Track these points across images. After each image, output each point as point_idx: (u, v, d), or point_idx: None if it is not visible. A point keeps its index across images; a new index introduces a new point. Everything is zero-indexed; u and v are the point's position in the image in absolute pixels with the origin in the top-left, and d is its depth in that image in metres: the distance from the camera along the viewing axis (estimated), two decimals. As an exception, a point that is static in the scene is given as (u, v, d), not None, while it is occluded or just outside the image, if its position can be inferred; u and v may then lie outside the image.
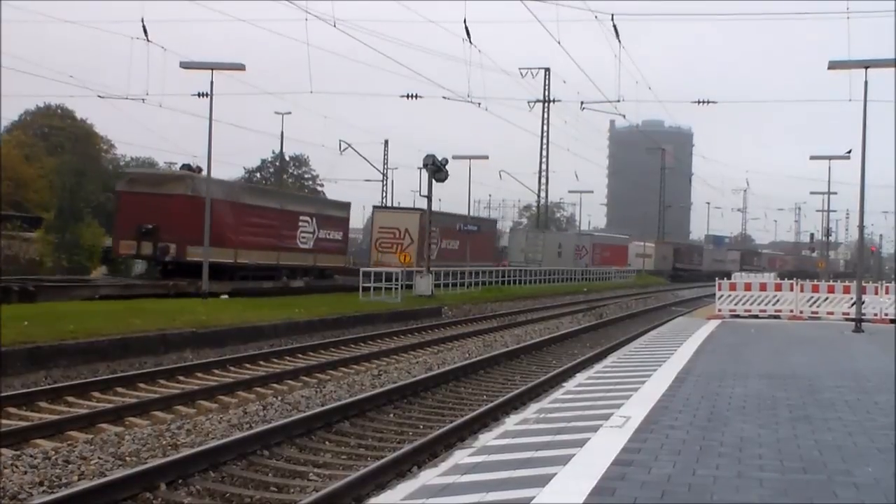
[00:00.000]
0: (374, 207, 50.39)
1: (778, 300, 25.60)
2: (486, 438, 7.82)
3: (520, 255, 61.83)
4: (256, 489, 8.49)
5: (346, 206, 43.69)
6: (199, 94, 34.08)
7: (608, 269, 71.35)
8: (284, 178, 79.93)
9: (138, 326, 18.70)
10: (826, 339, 18.78)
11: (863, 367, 13.73)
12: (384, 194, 72.70)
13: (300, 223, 36.93)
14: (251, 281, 33.08)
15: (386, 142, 75.56)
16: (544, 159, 67.43)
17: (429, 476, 6.43)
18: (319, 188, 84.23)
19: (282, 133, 67.57)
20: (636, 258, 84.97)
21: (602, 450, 6.97)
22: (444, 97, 42.79)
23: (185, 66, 27.58)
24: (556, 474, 6.19)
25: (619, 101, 45.09)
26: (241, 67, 27.86)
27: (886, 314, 24.58)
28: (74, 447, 9.63)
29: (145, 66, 31.74)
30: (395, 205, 63.73)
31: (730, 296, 25.88)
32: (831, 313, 25.03)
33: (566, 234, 73.83)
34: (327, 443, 10.57)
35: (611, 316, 33.36)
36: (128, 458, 9.26)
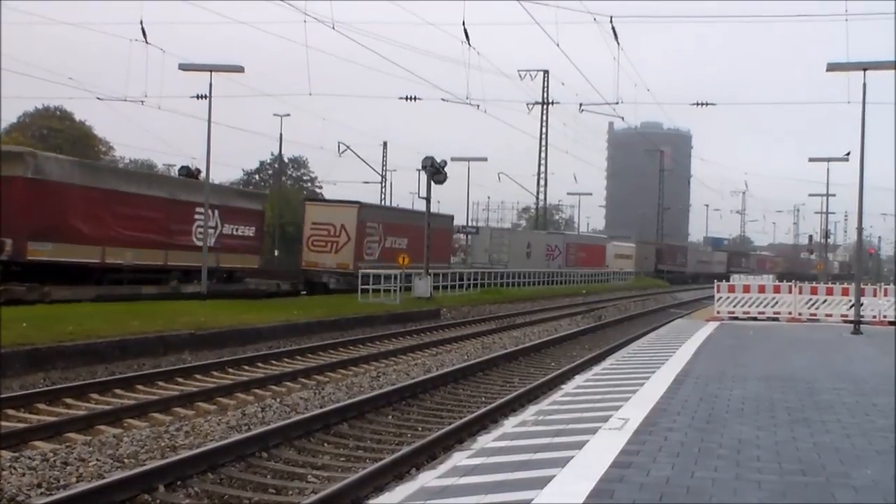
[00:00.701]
0: (306, 200, 45.95)
1: (776, 302, 25.60)
2: (485, 440, 7.82)
3: (483, 256, 58.58)
4: (255, 491, 8.49)
5: (260, 198, 39.18)
6: (197, 96, 34.11)
7: (581, 270, 64.87)
8: (283, 180, 79.91)
9: (137, 328, 18.69)
10: (825, 342, 18.78)
11: (861, 369, 13.73)
12: (383, 196, 72.76)
13: (196, 216, 30.78)
14: (127, 286, 28.00)
15: (385, 144, 75.70)
16: (543, 161, 67.53)
17: (427, 478, 6.43)
18: (318, 190, 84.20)
19: (280, 135, 67.96)
20: (615, 259, 78.87)
21: (600, 452, 6.97)
22: (442, 99, 42.88)
23: (184, 68, 27.60)
24: (554, 476, 6.19)
25: (617, 103, 45.20)
26: (240, 69, 27.87)
27: (885, 316, 24.59)
28: (73, 449, 9.62)
29: (144, 67, 32.00)
30: (395, 206, 63.40)
31: (728, 298, 25.89)
32: (830, 315, 25.03)
33: (536, 233, 67.16)
34: (326, 445, 10.57)
35: (609, 318, 33.36)
36: (126, 460, 9.25)
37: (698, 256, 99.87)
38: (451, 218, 51.96)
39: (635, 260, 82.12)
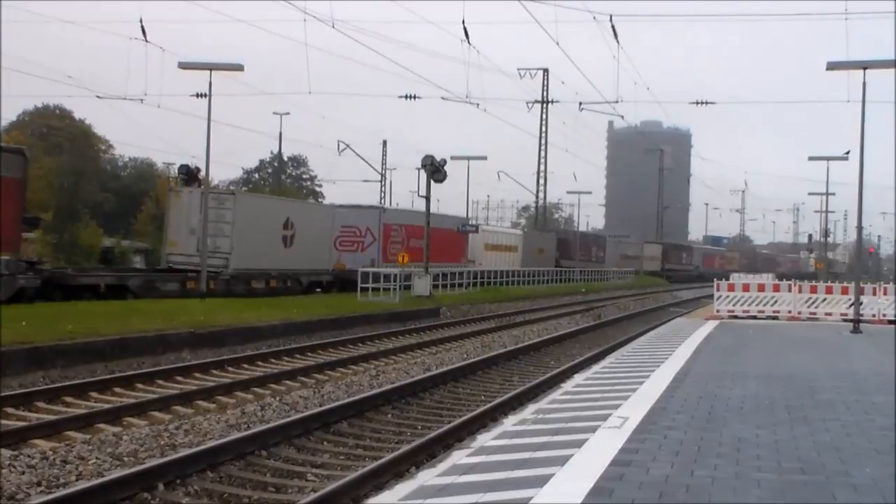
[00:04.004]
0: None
1: (776, 301, 25.61)
2: (485, 439, 7.82)
3: (182, 236, 31.55)
4: (254, 489, 8.49)
5: None
6: (197, 95, 34.17)
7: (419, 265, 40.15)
8: (283, 179, 79.97)
9: (136, 327, 18.69)
10: (824, 340, 18.79)
11: (861, 367, 13.73)
12: (382, 195, 72.77)
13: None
14: None
15: (384, 142, 75.73)
16: (542, 160, 67.54)
17: (427, 476, 6.43)
18: (318, 188, 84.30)
19: (280, 133, 67.58)
20: (485, 252, 53.54)
21: (600, 450, 6.97)
22: (442, 98, 42.90)
23: (184, 66, 27.57)
24: (554, 475, 6.19)
25: (617, 101, 45.24)
26: (239, 68, 27.86)
27: (885, 315, 24.59)
28: (72, 447, 9.62)
29: (144, 66, 31.86)
30: (395, 206, 63.19)
31: (728, 296, 25.89)
32: (829, 314, 25.04)
33: (302, 205, 44.31)
34: (325, 443, 10.57)
35: (609, 317, 33.36)
36: (126, 459, 9.26)
37: (621, 250, 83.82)
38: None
39: (522, 253, 58.41)
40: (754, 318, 25.04)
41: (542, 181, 68.09)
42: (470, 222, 50.23)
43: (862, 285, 24.22)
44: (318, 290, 36.37)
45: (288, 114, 65.28)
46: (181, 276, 29.85)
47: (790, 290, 25.70)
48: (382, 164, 73.55)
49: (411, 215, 44.22)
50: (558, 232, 72.99)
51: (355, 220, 40.10)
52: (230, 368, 16.81)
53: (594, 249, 72.99)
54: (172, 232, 31.79)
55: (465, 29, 32.00)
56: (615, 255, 77.99)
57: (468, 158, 49.71)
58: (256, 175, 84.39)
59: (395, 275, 33.07)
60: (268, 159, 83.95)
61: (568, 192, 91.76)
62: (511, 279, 50.30)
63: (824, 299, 25.43)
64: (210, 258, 29.24)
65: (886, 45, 27.85)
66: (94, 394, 13.62)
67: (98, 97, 39.54)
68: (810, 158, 44.84)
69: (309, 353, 19.46)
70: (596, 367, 13.35)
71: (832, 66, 21.68)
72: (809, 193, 71.46)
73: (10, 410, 12.00)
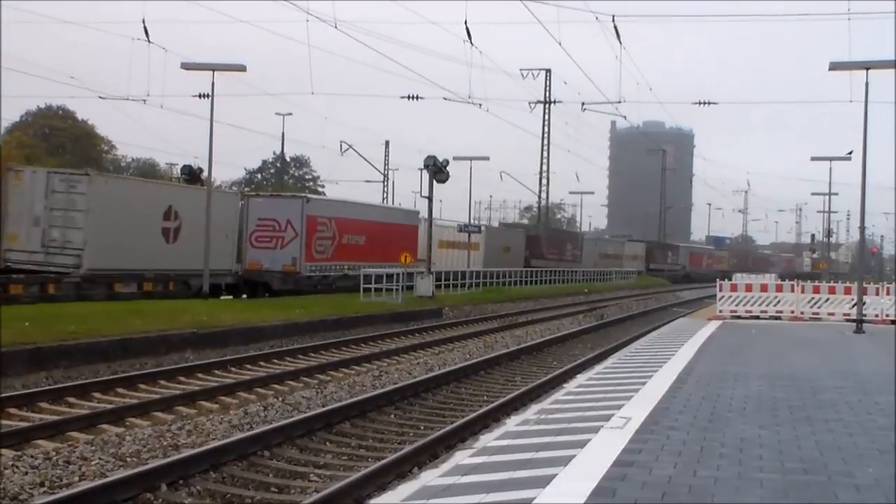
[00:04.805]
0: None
1: (779, 301, 25.60)
2: (487, 439, 7.82)
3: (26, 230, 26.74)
4: (257, 490, 8.49)
5: None
6: (200, 95, 34.20)
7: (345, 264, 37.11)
8: (285, 179, 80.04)
9: (139, 327, 18.71)
10: (827, 340, 18.77)
11: (864, 367, 13.73)
12: (385, 195, 72.81)
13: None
14: None
15: (387, 143, 75.65)
16: (545, 160, 67.45)
17: (429, 477, 6.43)
18: (321, 189, 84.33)
19: (283, 134, 67.74)
20: (441, 250, 46.67)
21: (603, 451, 6.97)
22: (444, 98, 42.80)
23: (186, 67, 27.61)
24: (556, 475, 6.19)
25: (619, 102, 45.10)
26: (241, 68, 27.90)
27: (887, 315, 24.58)
28: (75, 448, 9.63)
29: (146, 66, 31.89)
30: (397, 206, 62.68)
31: (731, 297, 25.88)
32: (832, 314, 25.02)
33: (192, 192, 32.17)
34: (328, 443, 10.57)
35: (612, 317, 33.35)
36: (128, 459, 9.27)
37: (600, 248, 76.35)
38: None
39: (485, 251, 51.50)
40: (757, 318, 25.02)
41: (544, 181, 67.97)
42: (474, 222, 48.32)
43: (865, 285, 24.19)
44: (228, 294, 30.58)
45: (290, 114, 65.45)
46: (29, 279, 24.91)
47: (793, 291, 25.69)
48: (385, 165, 73.63)
49: (345, 207, 38.60)
50: (527, 228, 64.88)
51: (273, 212, 33.91)
52: (233, 369, 16.83)
53: (569, 247, 66.13)
54: (12, 223, 26.53)
55: (467, 29, 31.95)
56: (593, 254, 71.47)
57: (471, 159, 49.70)
58: (259, 175, 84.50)
59: (398, 275, 33.07)
60: (270, 160, 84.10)
61: (570, 193, 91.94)
62: (513, 279, 50.13)
63: (827, 299, 25.41)
64: (55, 255, 25.61)
65: (889, 46, 27.82)
66: (96, 394, 13.64)
67: (101, 98, 39.69)
68: (813, 159, 44.90)
69: (312, 354, 19.48)
70: (598, 368, 13.35)
71: (835, 67, 21.68)
72: (812, 193, 71.54)
73: (13, 411, 12.02)
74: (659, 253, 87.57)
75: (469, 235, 47.72)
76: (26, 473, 8.49)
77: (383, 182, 73.00)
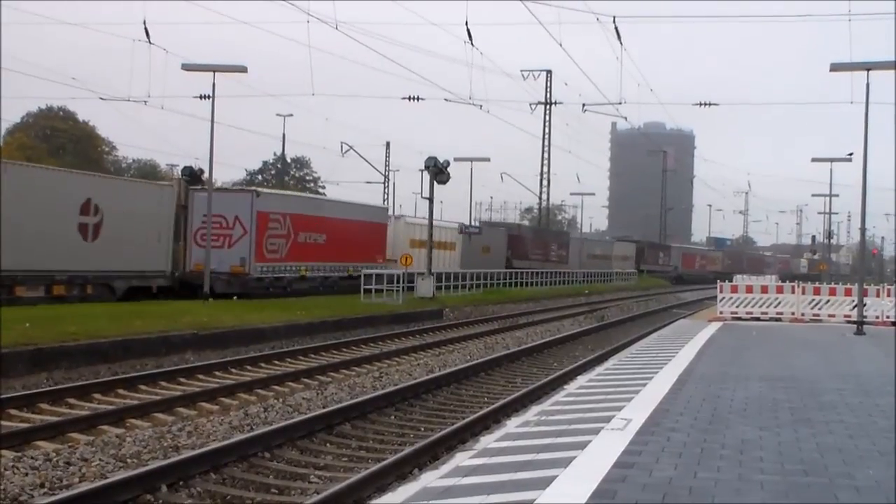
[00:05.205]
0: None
1: (779, 302, 25.60)
2: (487, 441, 7.82)
3: None
4: (257, 491, 8.49)
5: None
6: (200, 97, 34.21)
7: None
8: (286, 180, 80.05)
9: (140, 328, 18.72)
10: (827, 342, 18.76)
11: (864, 369, 13.72)
12: (385, 196, 72.83)
13: None
14: None
15: (387, 144, 75.63)
16: (546, 161, 67.46)
17: (430, 478, 6.43)
18: (321, 190, 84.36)
19: (283, 135, 67.74)
20: (410, 250, 39.86)
21: (603, 452, 6.96)
22: (445, 99, 42.85)
23: (187, 68, 27.60)
24: (556, 477, 6.18)
25: (620, 103, 45.14)
26: (242, 70, 27.88)
27: (888, 316, 24.57)
28: (75, 449, 9.64)
29: (147, 67, 31.85)
30: (398, 209, 62.30)
31: (731, 298, 25.88)
32: (833, 316, 25.01)
33: (116, 183, 31.90)
34: (328, 445, 10.57)
35: (612, 318, 33.35)
36: (129, 460, 9.27)
37: (588, 248, 71.81)
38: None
39: (462, 251, 47.18)
40: (757, 319, 25.01)
41: (545, 182, 67.98)
42: (474, 223, 46.77)
43: (865, 287, 24.18)
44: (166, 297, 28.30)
45: (291, 115, 65.53)
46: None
47: (793, 292, 25.69)
48: (385, 166, 73.61)
49: (302, 202, 35.30)
50: (509, 227, 60.30)
51: (220, 208, 30.29)
52: (233, 370, 16.83)
53: (554, 248, 62.73)
54: None
55: (468, 30, 32.01)
56: (580, 255, 67.48)
57: (471, 160, 49.70)
58: (259, 177, 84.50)
59: (398, 276, 33.04)
60: (271, 161, 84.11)
61: (571, 194, 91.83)
62: (515, 280, 50.06)
63: (828, 301, 25.41)
64: None
65: (890, 47, 27.81)
66: (97, 395, 13.64)
67: (101, 99, 39.73)
68: (813, 160, 44.85)
69: (312, 355, 19.48)
70: (599, 369, 13.34)
71: (836, 68, 21.67)
72: (813, 195, 71.50)
73: (13, 412, 12.03)
74: (650, 253, 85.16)
75: (448, 234, 44.70)
76: (27, 474, 8.49)
77: (384, 183, 73.07)
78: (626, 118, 58.32)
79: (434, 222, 40.96)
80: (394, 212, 46.53)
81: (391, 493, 6.34)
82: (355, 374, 17.01)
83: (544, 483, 6.00)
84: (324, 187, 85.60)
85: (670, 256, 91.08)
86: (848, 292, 25.18)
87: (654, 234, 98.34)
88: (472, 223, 48.33)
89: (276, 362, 18.12)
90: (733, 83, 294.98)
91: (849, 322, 23.34)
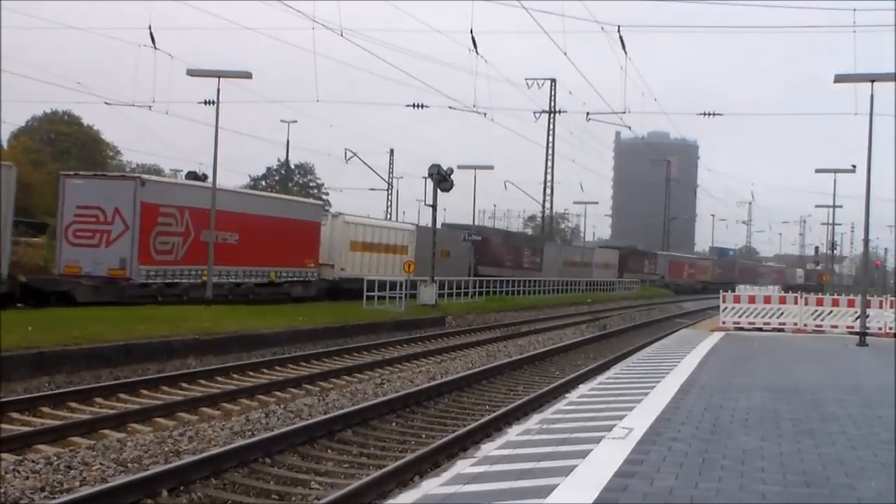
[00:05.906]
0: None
1: (782, 313, 25.56)
2: (489, 448, 7.81)
3: None
4: (258, 497, 8.49)
5: None
6: (205, 102, 34.23)
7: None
8: (290, 186, 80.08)
9: (142, 333, 18.73)
10: (830, 353, 18.73)
11: (866, 380, 13.70)
12: (389, 203, 72.85)
13: None
14: None
15: (391, 151, 75.67)
16: (549, 170, 67.51)
17: (431, 485, 6.43)
18: (325, 196, 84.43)
19: (287, 141, 67.56)
20: (352, 253, 37.35)
21: (604, 461, 6.95)
22: (450, 107, 42.86)
23: (192, 73, 27.63)
24: (557, 485, 6.18)
25: (624, 112, 45.10)
26: (247, 75, 27.89)
27: (890, 328, 24.53)
28: (77, 453, 9.64)
29: (152, 73, 31.85)
30: (401, 217, 61.89)
31: (734, 308, 25.85)
32: (835, 326, 24.97)
33: None
34: (330, 451, 10.56)
35: (614, 327, 33.32)
36: (130, 465, 9.27)
37: (564, 255, 65.32)
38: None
39: (415, 255, 39.75)
40: (760, 329, 24.98)
41: (548, 191, 68.04)
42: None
43: (868, 298, 24.14)
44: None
45: (295, 121, 65.40)
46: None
47: (796, 303, 25.66)
48: (389, 173, 73.62)
49: (206, 194, 27.59)
50: (478, 229, 53.17)
51: (98, 198, 26.13)
52: (235, 375, 16.83)
53: (526, 253, 57.11)
54: None
55: (473, 38, 32.02)
56: (557, 261, 61.52)
57: (475, 168, 49.59)
58: (263, 182, 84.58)
59: (401, 283, 33.03)
60: (275, 167, 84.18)
61: (574, 202, 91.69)
62: (517, 289, 50.01)
63: (830, 312, 25.37)
64: None
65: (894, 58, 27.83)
66: (98, 399, 13.64)
67: (106, 103, 39.80)
68: (817, 171, 44.70)
69: (314, 361, 19.47)
70: (601, 378, 13.33)
71: (840, 79, 21.67)
72: (816, 206, 71.32)
73: (14, 415, 12.04)
74: (634, 261, 79.68)
75: (397, 235, 39.92)
76: (27, 478, 8.49)
77: (388, 190, 73.09)
78: (629, 127, 58.17)
79: (379, 221, 38.32)
80: (397, 212, 44.29)
81: (392, 500, 6.34)
82: (357, 380, 17.00)
83: (545, 491, 6.00)
84: (327, 193, 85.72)
85: (656, 265, 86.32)
86: (851, 303, 25.14)
87: (657, 244, 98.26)
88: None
89: (278, 368, 18.12)
90: (737, 93, 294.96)
91: (851, 333, 23.29)
